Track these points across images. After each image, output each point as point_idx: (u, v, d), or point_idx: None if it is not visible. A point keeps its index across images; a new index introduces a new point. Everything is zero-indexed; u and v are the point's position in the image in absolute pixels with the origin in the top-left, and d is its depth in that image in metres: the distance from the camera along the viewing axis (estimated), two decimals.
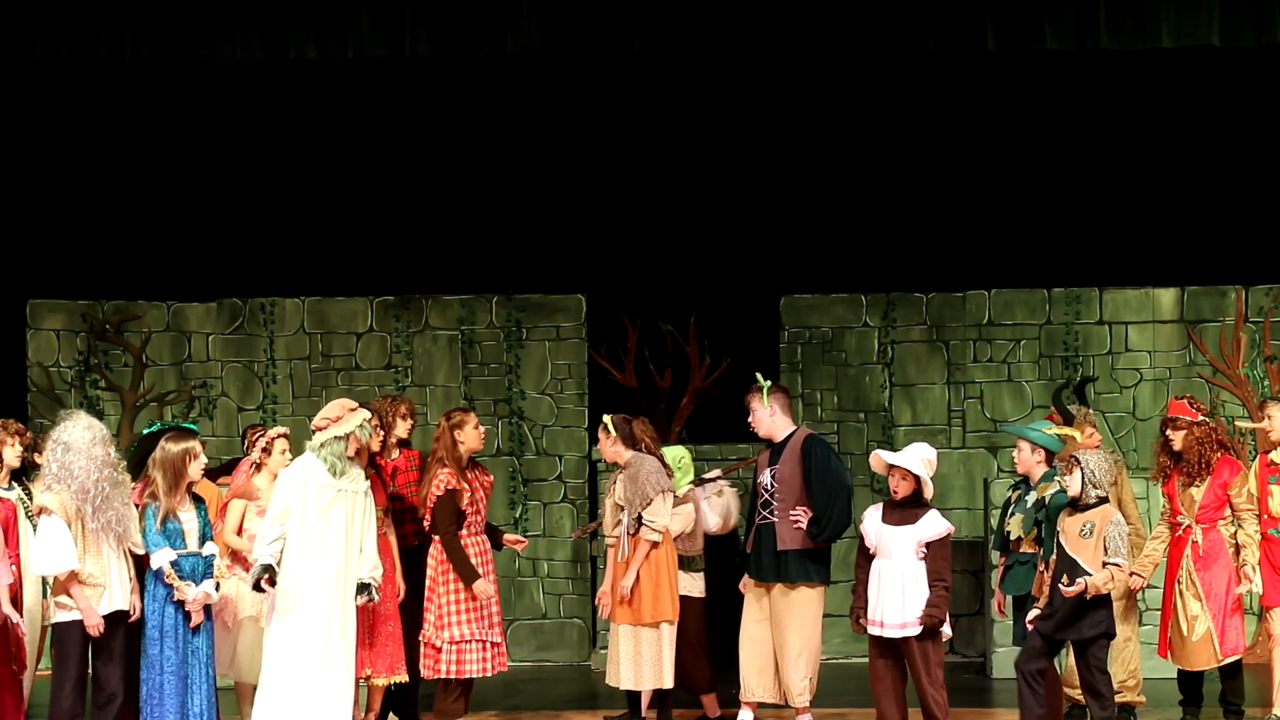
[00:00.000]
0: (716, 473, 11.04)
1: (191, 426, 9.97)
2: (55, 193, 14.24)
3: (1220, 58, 13.14)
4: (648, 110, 14.22)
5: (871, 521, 9.89)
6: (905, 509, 9.82)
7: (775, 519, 10.38)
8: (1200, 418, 10.58)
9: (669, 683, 10.51)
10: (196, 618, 9.55)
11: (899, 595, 9.74)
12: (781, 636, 10.39)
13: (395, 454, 10.87)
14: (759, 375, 10.58)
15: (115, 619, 9.43)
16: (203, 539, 9.65)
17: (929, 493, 9.86)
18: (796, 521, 10.33)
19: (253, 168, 14.36)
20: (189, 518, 9.57)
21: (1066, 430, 10.33)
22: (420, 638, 10.46)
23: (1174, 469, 10.62)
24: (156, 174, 14.32)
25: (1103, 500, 9.43)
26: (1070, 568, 9.35)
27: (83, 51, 12.39)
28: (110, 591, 9.36)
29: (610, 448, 10.60)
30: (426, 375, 14.14)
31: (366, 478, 9.94)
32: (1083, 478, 9.40)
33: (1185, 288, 13.92)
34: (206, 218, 14.36)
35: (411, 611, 10.49)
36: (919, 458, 9.83)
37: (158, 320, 14.18)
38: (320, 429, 9.82)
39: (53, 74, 13.68)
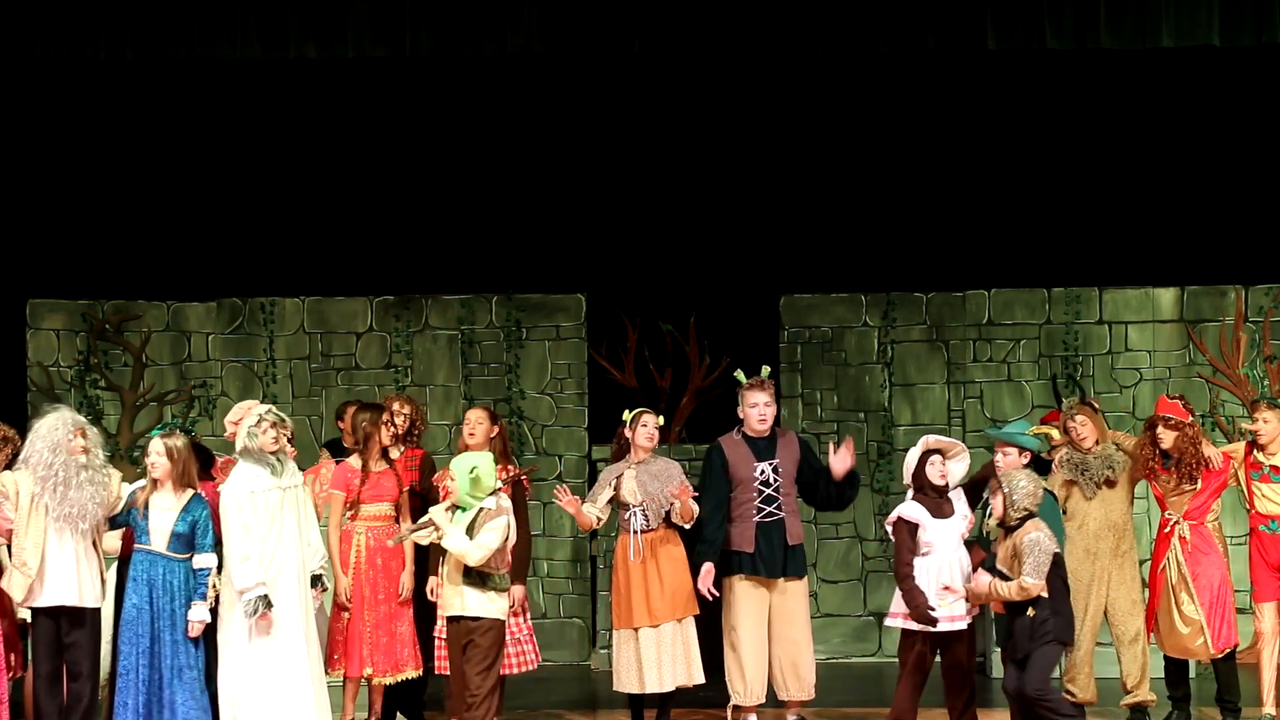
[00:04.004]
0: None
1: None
2: (55, 193, 14.23)
3: (1220, 58, 13.14)
4: (648, 110, 14.21)
5: (923, 518, 9.92)
6: (944, 500, 9.92)
7: (783, 514, 10.38)
8: (1190, 419, 10.65)
9: (700, 677, 10.52)
10: (194, 631, 9.63)
11: (959, 586, 9.86)
12: (794, 631, 10.43)
13: (397, 451, 10.87)
14: (766, 368, 10.57)
15: (73, 614, 9.42)
16: (190, 547, 9.63)
17: (955, 479, 10.03)
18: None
19: (253, 168, 14.35)
20: (158, 516, 9.57)
21: (1046, 429, 10.40)
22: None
23: (1161, 468, 10.68)
24: (156, 174, 14.30)
25: (1027, 518, 9.45)
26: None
27: (83, 51, 12.38)
28: (50, 583, 9.36)
29: (655, 441, 10.65)
30: (426, 375, 14.15)
31: (301, 469, 10.05)
32: (1004, 500, 9.45)
33: (1185, 287, 13.93)
34: (206, 218, 14.34)
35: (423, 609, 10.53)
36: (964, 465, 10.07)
37: (158, 320, 14.19)
38: (232, 437, 9.88)
39: (53, 74, 13.68)
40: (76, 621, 9.46)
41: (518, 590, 10.48)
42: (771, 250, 14.35)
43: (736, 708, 10.55)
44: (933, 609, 9.79)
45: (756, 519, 10.42)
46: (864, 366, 14.06)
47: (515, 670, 10.50)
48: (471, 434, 10.58)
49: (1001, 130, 14.21)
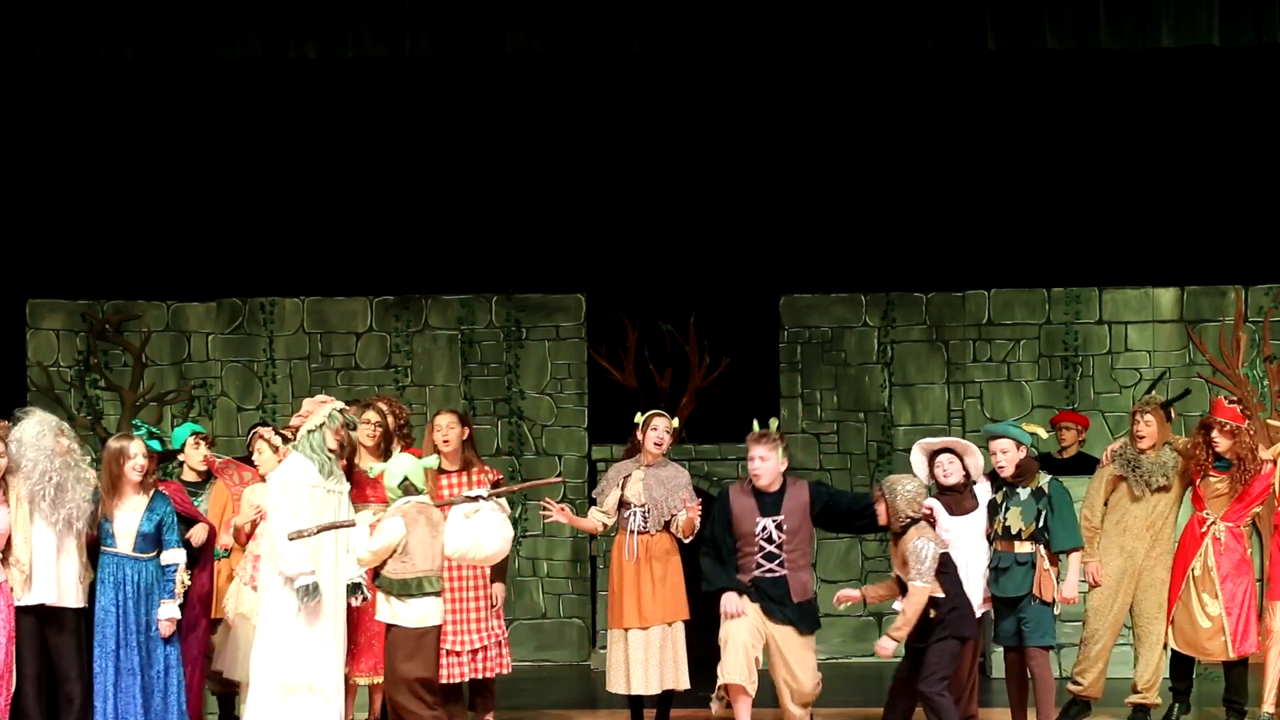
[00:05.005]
0: (480, 491, 9.64)
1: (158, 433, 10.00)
2: (55, 193, 14.23)
3: (1220, 58, 13.14)
4: (648, 110, 14.21)
5: (940, 515, 9.94)
6: (964, 498, 9.96)
7: (784, 571, 10.07)
8: (1246, 423, 10.61)
9: (686, 683, 10.47)
10: (165, 630, 9.58)
11: (979, 581, 9.95)
12: (793, 678, 10.14)
13: (395, 451, 10.85)
14: (774, 421, 10.21)
15: (57, 615, 9.43)
16: (160, 545, 9.62)
17: (977, 468, 10.02)
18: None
19: (253, 168, 14.35)
20: (124, 517, 9.54)
21: (1034, 427, 10.43)
22: None
23: (1213, 469, 10.62)
24: (156, 174, 14.30)
25: (910, 524, 9.52)
26: (904, 590, 9.60)
27: (83, 51, 12.37)
28: (35, 582, 9.36)
29: (666, 444, 10.53)
30: (426, 375, 14.15)
31: (349, 478, 9.89)
32: (887, 507, 9.54)
33: (1185, 288, 13.93)
34: (206, 218, 14.35)
35: None
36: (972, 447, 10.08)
37: (158, 320, 14.19)
38: (296, 428, 9.80)
39: (53, 74, 13.68)
40: (59, 623, 9.43)
41: (498, 589, 10.44)
42: (771, 250, 14.35)
43: (722, 687, 10.17)
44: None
45: (755, 573, 10.08)
46: (864, 366, 14.06)
47: (476, 675, 10.44)
48: (446, 440, 10.46)
49: (1001, 130, 14.21)
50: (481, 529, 9.37)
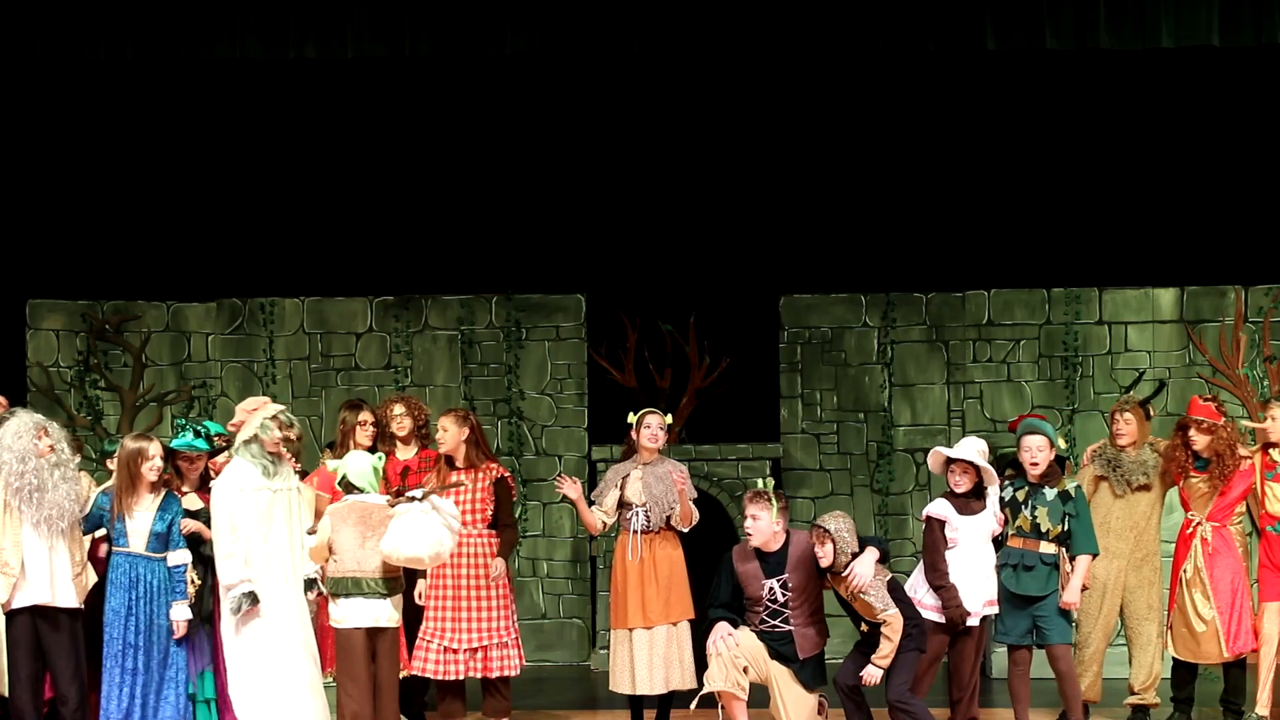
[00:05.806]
0: (416, 492, 9.59)
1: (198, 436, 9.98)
2: (55, 193, 14.23)
3: (1220, 58, 13.14)
4: (647, 110, 14.21)
5: (950, 515, 10.04)
6: (971, 499, 10.04)
7: (791, 627, 9.95)
8: (1224, 420, 10.61)
9: (692, 682, 10.44)
10: (180, 630, 9.61)
11: (986, 581, 10.06)
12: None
13: (411, 452, 10.86)
14: (770, 481, 10.11)
15: (51, 615, 9.42)
16: (169, 545, 9.62)
17: (991, 480, 10.09)
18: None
19: (253, 168, 14.35)
20: (138, 517, 9.56)
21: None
22: None
23: (1193, 469, 10.62)
24: (156, 174, 14.30)
25: (852, 559, 9.72)
26: (855, 619, 9.91)
27: (83, 51, 12.38)
28: (28, 583, 9.35)
29: (661, 441, 10.55)
30: (426, 375, 14.15)
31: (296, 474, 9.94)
32: (834, 547, 9.69)
33: (1185, 288, 13.93)
34: (206, 218, 14.34)
35: (412, 610, 10.48)
36: (975, 449, 10.08)
37: (157, 320, 14.19)
38: (237, 428, 9.83)
39: (53, 74, 13.68)
40: (53, 623, 9.45)
41: (498, 564, 10.44)
42: (771, 250, 14.35)
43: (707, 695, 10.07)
44: (968, 611, 9.98)
45: (761, 628, 9.98)
46: (864, 366, 14.06)
47: (476, 674, 10.44)
48: (440, 442, 10.53)
49: (1001, 130, 14.20)
50: (403, 531, 9.37)
